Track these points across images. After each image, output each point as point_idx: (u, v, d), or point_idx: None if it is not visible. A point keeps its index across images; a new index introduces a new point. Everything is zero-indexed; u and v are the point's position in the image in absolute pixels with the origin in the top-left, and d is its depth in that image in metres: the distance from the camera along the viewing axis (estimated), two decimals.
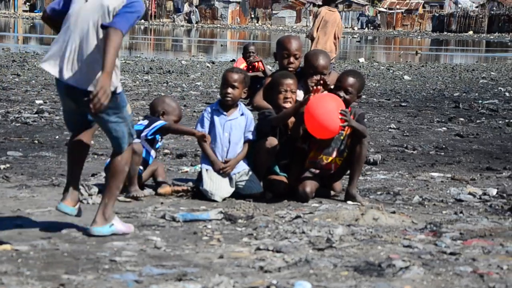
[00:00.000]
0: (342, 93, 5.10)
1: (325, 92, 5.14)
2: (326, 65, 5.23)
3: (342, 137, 5.12)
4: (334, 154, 5.18)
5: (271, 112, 5.16)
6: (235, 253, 3.76)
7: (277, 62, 5.46)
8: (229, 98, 5.14)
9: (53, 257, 3.57)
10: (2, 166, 5.90)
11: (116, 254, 3.66)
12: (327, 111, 4.89)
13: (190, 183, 5.31)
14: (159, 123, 5.18)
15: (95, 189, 4.95)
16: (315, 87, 5.11)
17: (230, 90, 5.12)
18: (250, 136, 5.20)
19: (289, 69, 5.25)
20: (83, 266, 3.44)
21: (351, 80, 5.13)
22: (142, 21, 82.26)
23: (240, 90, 5.13)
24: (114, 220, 3.97)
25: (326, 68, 5.23)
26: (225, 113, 5.18)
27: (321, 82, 5.14)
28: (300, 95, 5.25)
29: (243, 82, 5.14)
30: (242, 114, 5.20)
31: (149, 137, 5.20)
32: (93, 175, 5.69)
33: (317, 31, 10.81)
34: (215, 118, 5.18)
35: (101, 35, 3.74)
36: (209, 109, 5.23)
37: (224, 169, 5.10)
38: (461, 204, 5.13)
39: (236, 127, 5.17)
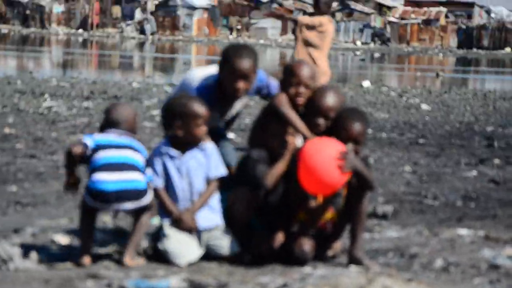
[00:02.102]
0: (351, 146, 5.11)
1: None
2: (334, 106, 5.27)
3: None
4: (329, 211, 5.24)
5: (260, 157, 5.18)
6: None
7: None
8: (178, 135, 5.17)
9: None
10: None
11: None
12: (328, 160, 4.97)
13: (144, 242, 5.31)
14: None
15: (17, 251, 4.90)
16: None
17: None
18: (214, 173, 5.22)
19: (298, 101, 5.30)
20: None
21: (358, 127, 5.16)
22: (80, 30, 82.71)
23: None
24: None
25: (333, 111, 5.28)
26: (176, 154, 5.19)
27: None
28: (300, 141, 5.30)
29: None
30: (201, 150, 5.22)
31: None
32: (15, 231, 5.67)
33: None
34: (167, 163, 5.19)
35: None
36: (156, 153, 5.21)
37: (182, 220, 5.12)
38: (498, 271, 5.15)
39: (196, 168, 5.20)
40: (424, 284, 4.70)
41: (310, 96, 5.31)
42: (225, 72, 5.40)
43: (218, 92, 5.46)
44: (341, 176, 5.00)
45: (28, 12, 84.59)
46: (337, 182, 5.02)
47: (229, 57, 5.40)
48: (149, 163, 5.18)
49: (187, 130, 5.16)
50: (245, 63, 5.37)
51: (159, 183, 5.17)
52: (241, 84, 5.37)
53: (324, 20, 10.97)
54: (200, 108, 5.16)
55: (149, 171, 5.10)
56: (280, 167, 5.17)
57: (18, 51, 41.46)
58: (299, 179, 5.07)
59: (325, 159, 4.98)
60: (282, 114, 5.23)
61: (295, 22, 11.16)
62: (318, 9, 10.91)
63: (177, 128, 5.15)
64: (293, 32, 11.16)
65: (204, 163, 5.22)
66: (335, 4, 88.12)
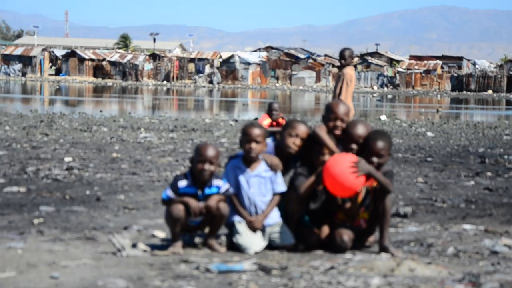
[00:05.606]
0: (375, 159, 5.05)
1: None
2: (363, 135, 5.19)
3: (366, 191, 5.09)
4: (362, 211, 5.15)
5: (302, 172, 5.13)
6: None
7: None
8: (253, 154, 5.10)
9: None
10: (36, 221, 5.90)
11: None
12: (345, 168, 4.91)
13: (222, 237, 5.25)
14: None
15: (128, 242, 4.91)
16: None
17: (254, 145, 5.08)
18: (278, 189, 5.17)
19: (335, 132, 5.23)
20: None
21: (380, 144, 5.08)
22: (165, 82, 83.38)
23: (263, 145, 5.12)
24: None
25: (362, 138, 5.18)
26: (248, 169, 5.15)
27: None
28: None
29: (265, 137, 5.14)
30: (266, 170, 5.16)
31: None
32: (125, 228, 5.67)
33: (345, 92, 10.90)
34: (239, 175, 5.15)
35: None
36: (230, 166, 5.17)
37: (254, 224, 5.07)
38: (497, 256, 5.03)
39: (261, 182, 5.14)
40: (441, 266, 4.59)
41: (345, 127, 5.24)
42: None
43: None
44: (357, 180, 4.93)
45: (126, 69, 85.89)
46: (355, 185, 4.95)
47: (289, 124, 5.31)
48: (225, 176, 5.14)
49: (243, 146, 5.11)
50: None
51: (232, 191, 5.13)
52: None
53: (348, 70, 11.00)
54: (252, 130, 5.08)
55: (225, 181, 5.06)
56: (311, 179, 5.10)
57: (120, 98, 41.91)
58: (325, 186, 5.00)
59: (342, 168, 4.93)
60: (319, 139, 5.18)
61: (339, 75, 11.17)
62: (344, 61, 10.96)
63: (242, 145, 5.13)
64: (337, 81, 11.14)
65: (269, 179, 5.14)
66: (356, 59, 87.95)
